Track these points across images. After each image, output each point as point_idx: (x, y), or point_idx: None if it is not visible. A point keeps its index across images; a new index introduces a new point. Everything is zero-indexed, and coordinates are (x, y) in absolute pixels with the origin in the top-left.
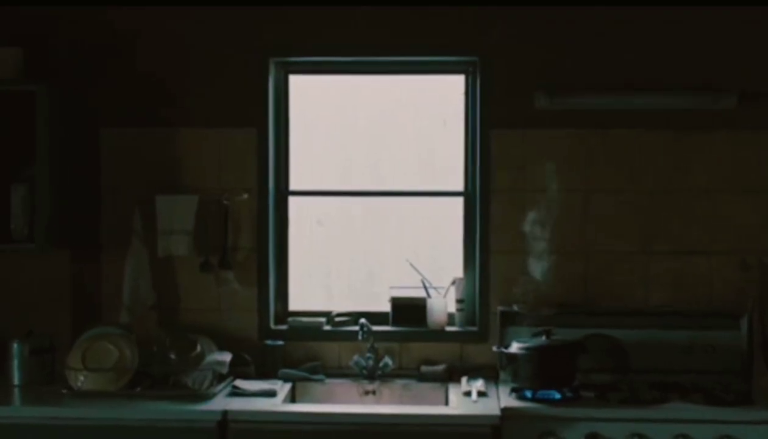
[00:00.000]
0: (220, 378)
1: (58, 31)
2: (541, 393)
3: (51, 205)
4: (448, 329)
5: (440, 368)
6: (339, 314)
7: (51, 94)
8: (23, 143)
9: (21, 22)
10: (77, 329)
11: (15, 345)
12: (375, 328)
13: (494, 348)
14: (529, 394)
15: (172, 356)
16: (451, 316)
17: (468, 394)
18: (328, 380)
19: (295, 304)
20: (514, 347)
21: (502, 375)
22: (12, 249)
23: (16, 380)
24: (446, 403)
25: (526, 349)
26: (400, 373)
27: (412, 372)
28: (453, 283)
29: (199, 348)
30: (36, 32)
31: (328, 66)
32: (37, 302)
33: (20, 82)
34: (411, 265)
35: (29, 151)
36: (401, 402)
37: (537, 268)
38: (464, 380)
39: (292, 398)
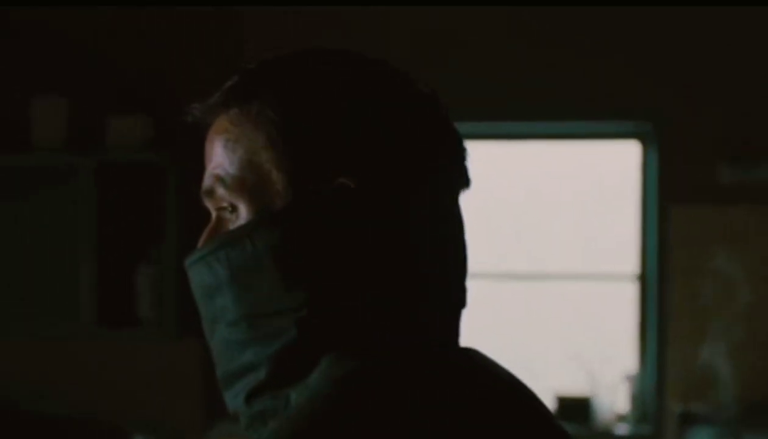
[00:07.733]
0: None
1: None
2: None
3: (179, 288)
4: (618, 430)
5: None
6: None
7: (177, 167)
8: (146, 219)
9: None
10: (208, 422)
11: None
12: None
13: None
14: None
15: None
16: (621, 416)
17: None
18: None
19: None
20: None
21: None
22: (138, 335)
23: None
24: None
25: None
26: None
27: None
28: (624, 377)
29: None
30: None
31: (474, 131)
32: (165, 392)
33: (147, 153)
34: (574, 358)
35: (154, 228)
36: None
37: (723, 362)
38: None
39: None
